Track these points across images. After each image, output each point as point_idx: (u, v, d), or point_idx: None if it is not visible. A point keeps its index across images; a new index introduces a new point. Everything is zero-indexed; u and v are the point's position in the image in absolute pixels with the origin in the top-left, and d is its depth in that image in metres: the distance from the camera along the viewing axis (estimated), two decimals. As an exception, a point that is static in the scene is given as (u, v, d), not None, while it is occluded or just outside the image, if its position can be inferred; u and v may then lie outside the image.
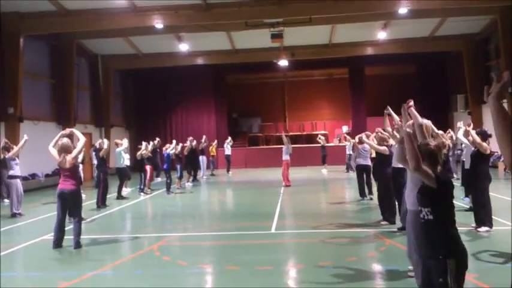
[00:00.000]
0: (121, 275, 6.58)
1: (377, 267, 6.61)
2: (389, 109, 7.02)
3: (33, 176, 18.46)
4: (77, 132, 8.95)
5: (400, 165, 8.32)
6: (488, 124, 8.64)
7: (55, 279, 6.34)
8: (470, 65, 23.70)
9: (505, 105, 9.14)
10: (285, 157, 16.44)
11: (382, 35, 22.83)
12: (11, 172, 11.92)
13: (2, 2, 16.52)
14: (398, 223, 8.65)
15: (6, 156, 12.01)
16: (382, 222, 9.26)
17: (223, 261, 7.05)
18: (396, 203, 8.77)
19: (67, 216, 8.43)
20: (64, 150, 8.17)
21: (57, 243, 8.10)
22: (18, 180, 11.98)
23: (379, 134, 9.59)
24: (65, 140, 8.38)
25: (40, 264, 7.29)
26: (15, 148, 12.14)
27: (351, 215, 10.86)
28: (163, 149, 17.11)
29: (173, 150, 16.72)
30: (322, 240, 8.36)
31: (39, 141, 18.40)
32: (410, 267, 5.87)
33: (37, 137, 18.65)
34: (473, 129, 8.66)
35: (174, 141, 17.47)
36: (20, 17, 17.60)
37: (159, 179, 20.40)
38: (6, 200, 14.09)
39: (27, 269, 7.25)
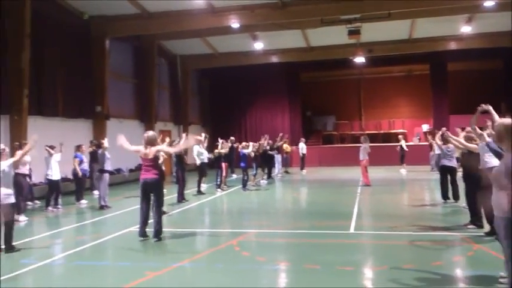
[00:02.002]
0: (203, 268, 6.75)
1: (465, 272, 6.32)
2: (488, 106, 6.64)
3: (118, 170, 19.44)
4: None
5: (490, 166, 7.90)
6: None
7: (142, 269, 6.63)
8: None
9: None
10: (363, 156, 16.17)
11: (466, 29, 21.79)
12: (103, 166, 12.67)
13: (90, 6, 17.54)
14: (487, 227, 8.24)
15: (99, 152, 12.78)
16: (469, 226, 8.80)
17: (302, 260, 7.03)
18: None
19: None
20: (149, 142, 8.51)
21: (143, 233, 8.46)
22: (107, 174, 12.71)
23: (467, 133, 9.11)
24: (151, 133, 8.78)
25: (127, 254, 7.68)
26: (105, 144, 12.87)
27: (434, 217, 10.43)
28: (240, 147, 17.39)
29: (252, 148, 16.96)
30: (404, 242, 8.10)
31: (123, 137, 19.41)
32: (502, 274, 5.57)
33: (122, 134, 19.66)
34: None
35: (251, 144, 17.50)
36: (106, 20, 18.58)
37: (234, 176, 20.76)
38: (95, 192, 14.96)
39: (116, 258, 7.65)
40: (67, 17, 17.31)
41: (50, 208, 12.33)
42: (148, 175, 8.42)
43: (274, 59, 26.20)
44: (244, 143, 17.60)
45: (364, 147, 16.24)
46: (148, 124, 22.03)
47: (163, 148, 8.83)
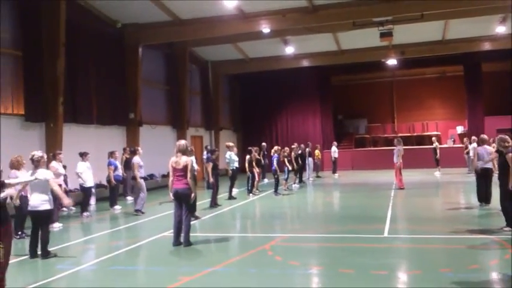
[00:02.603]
0: (236, 273, 6.76)
1: (502, 276, 6.12)
2: None
3: (151, 176, 19.69)
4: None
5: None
6: None
7: (175, 274, 6.69)
8: None
9: None
10: (397, 159, 15.96)
11: (500, 29, 21.24)
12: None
13: (123, 14, 17.90)
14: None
15: (134, 159, 12.95)
16: (505, 229, 8.58)
17: (336, 264, 6.97)
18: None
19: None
20: (181, 151, 8.55)
21: (176, 240, 8.50)
22: (142, 181, 12.87)
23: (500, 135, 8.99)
24: (183, 142, 8.80)
25: (161, 259, 7.74)
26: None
27: (469, 220, 10.20)
28: (272, 151, 17.40)
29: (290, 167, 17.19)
30: (439, 246, 8.01)
31: (156, 144, 19.73)
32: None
33: (154, 140, 20.01)
34: None
35: (288, 166, 17.59)
36: (138, 28, 18.89)
37: (265, 180, 20.76)
38: (129, 198, 15.21)
39: (149, 263, 7.72)
40: (101, 26, 17.72)
41: (84, 214, 12.57)
42: (179, 185, 8.44)
43: (305, 63, 26.10)
44: (276, 147, 17.60)
45: (398, 150, 16.03)
46: (181, 130, 22.27)
47: (192, 165, 8.72)
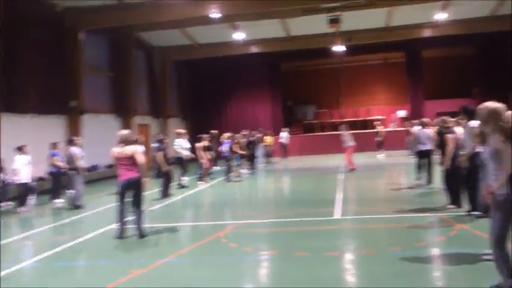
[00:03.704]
0: (191, 262, 6.59)
1: (450, 251, 6.36)
2: None
3: (95, 167, 18.98)
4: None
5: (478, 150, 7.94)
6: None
7: (126, 267, 6.37)
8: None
9: None
10: (350, 143, 16.45)
11: (441, 16, 21.97)
12: (74, 165, 12.22)
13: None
14: (466, 207, 8.36)
15: (71, 149, 12.31)
16: (449, 206, 8.93)
17: (290, 248, 6.97)
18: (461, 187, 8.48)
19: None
20: (123, 141, 8.14)
21: (121, 233, 8.07)
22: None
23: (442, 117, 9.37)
24: (125, 131, 8.42)
25: (109, 252, 7.40)
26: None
27: (415, 199, 10.54)
28: (222, 138, 17.25)
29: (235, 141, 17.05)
30: (388, 225, 8.21)
31: (99, 133, 19.01)
32: (486, 251, 5.61)
33: (98, 129, 19.27)
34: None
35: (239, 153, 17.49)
36: (80, 12, 18.07)
37: (217, 168, 20.58)
38: (71, 191, 14.51)
39: (98, 257, 7.26)
40: (39, 9, 16.76)
41: (22, 209, 11.86)
42: (131, 174, 7.99)
43: (255, 49, 26.01)
44: (226, 134, 17.45)
45: (348, 135, 16.51)
46: (126, 118, 21.59)
47: (139, 154, 8.30)
